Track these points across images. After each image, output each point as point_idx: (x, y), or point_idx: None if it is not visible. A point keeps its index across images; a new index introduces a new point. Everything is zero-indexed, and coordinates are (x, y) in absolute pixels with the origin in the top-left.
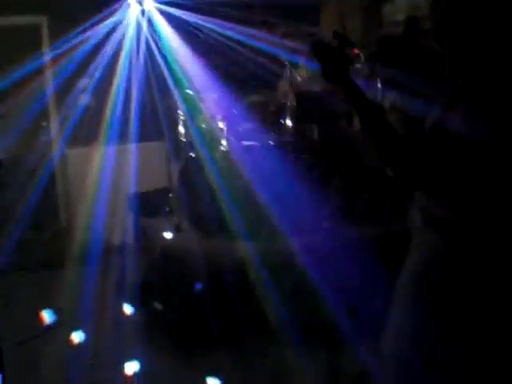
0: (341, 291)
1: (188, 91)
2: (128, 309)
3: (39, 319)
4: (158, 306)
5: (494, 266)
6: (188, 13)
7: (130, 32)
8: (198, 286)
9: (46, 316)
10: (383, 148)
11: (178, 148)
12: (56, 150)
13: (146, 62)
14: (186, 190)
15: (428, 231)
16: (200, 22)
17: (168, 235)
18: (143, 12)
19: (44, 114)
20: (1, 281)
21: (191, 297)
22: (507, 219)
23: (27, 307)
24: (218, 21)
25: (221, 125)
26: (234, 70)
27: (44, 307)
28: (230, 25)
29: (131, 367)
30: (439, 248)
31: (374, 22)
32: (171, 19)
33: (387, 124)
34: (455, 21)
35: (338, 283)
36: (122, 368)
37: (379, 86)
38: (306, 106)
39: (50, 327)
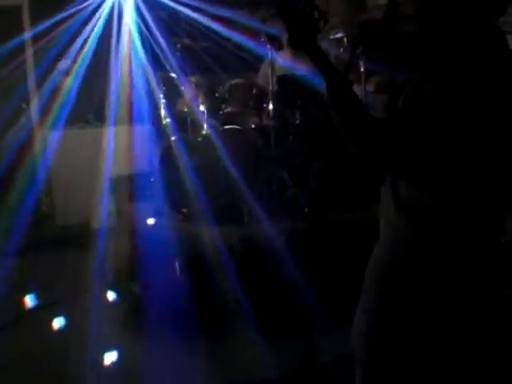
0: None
1: (169, 74)
2: (109, 294)
3: (21, 304)
4: (137, 290)
5: (462, 255)
6: None
7: (112, 14)
8: (177, 270)
9: (28, 301)
10: (349, 121)
11: (160, 132)
12: (37, 133)
13: (127, 45)
14: (167, 174)
15: (396, 217)
16: (182, 4)
17: (149, 219)
18: None
19: (25, 97)
20: None
21: (171, 281)
22: (477, 203)
23: (6, 292)
24: (200, 2)
25: (202, 108)
26: (217, 53)
27: (23, 292)
28: (213, 6)
29: (111, 356)
30: (407, 235)
31: (358, 6)
32: (153, 1)
33: (355, 97)
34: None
35: (313, 268)
36: (103, 357)
37: (362, 69)
38: (288, 89)
39: (30, 312)
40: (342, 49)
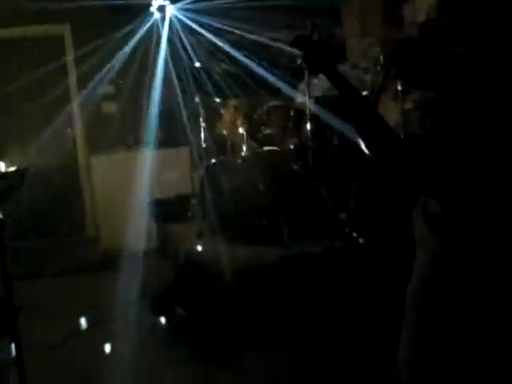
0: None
1: (209, 97)
2: (152, 316)
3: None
4: (181, 312)
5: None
6: (210, 18)
7: (153, 39)
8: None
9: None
10: (373, 142)
11: (201, 154)
12: (81, 157)
13: (168, 69)
14: (208, 195)
15: (429, 237)
16: (221, 27)
17: (191, 241)
18: (165, 19)
19: (68, 122)
20: (27, 286)
21: (212, 302)
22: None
23: (52, 312)
24: (239, 24)
25: (241, 130)
26: (256, 75)
27: (69, 313)
28: (252, 28)
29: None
30: (442, 256)
31: (395, 23)
32: (193, 26)
33: (379, 119)
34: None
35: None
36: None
37: (399, 87)
38: (326, 109)
39: (76, 333)
40: (379, 66)
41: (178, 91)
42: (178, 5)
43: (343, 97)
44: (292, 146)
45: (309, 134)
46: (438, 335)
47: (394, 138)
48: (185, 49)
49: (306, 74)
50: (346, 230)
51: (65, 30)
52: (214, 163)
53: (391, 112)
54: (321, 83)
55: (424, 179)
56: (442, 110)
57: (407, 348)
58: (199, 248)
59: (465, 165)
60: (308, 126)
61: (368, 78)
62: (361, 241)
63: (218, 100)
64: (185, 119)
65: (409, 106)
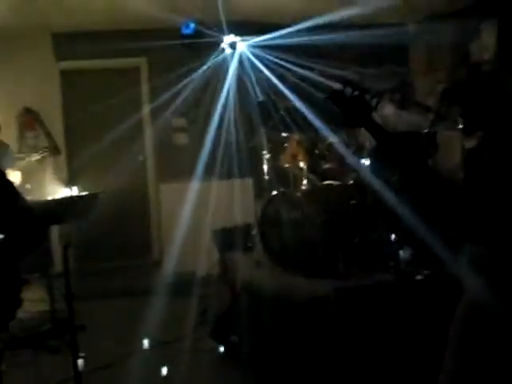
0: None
1: (273, 131)
2: (209, 340)
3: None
4: (234, 339)
5: None
6: (279, 54)
7: (223, 74)
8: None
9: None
10: (417, 186)
11: (262, 186)
12: (150, 184)
13: (235, 103)
14: (267, 226)
15: (471, 276)
16: (289, 64)
17: (249, 270)
18: (235, 55)
19: (141, 150)
20: (92, 305)
21: (267, 331)
22: None
23: (115, 332)
24: (307, 61)
25: (302, 164)
26: (318, 111)
27: (132, 333)
28: (320, 65)
29: None
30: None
31: (462, 60)
32: (261, 61)
33: (426, 168)
34: None
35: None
36: None
37: (460, 126)
38: (386, 145)
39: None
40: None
41: (244, 125)
42: (249, 42)
43: (381, 145)
44: (351, 181)
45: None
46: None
47: (441, 184)
48: (252, 84)
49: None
50: (403, 266)
51: (141, 63)
52: (274, 195)
53: (453, 151)
54: (383, 119)
55: (465, 222)
56: (476, 157)
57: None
58: (256, 277)
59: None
60: (367, 162)
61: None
62: (418, 277)
63: (281, 134)
64: (250, 152)
65: (471, 145)
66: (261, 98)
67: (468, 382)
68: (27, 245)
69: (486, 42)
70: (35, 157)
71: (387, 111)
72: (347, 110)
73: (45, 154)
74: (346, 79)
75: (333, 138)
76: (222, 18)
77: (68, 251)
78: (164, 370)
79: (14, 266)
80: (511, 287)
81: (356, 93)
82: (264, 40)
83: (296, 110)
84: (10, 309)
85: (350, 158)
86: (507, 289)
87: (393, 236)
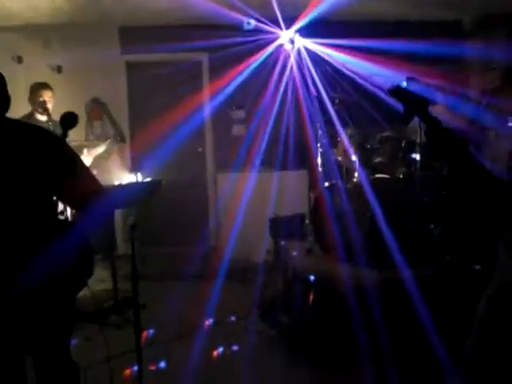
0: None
1: (327, 125)
2: (260, 322)
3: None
4: (283, 320)
5: None
6: (333, 50)
7: (281, 68)
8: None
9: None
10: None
11: (316, 178)
12: (209, 174)
13: (293, 97)
14: (319, 217)
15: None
16: (342, 60)
17: (300, 257)
18: (293, 50)
19: (201, 141)
20: (154, 287)
21: (314, 316)
22: None
23: (173, 311)
24: (357, 59)
25: (354, 158)
26: (370, 107)
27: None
28: (366, 62)
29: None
30: None
31: None
32: (319, 57)
33: (470, 158)
34: None
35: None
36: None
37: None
38: (438, 136)
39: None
40: None
41: (299, 118)
42: (308, 38)
43: (436, 138)
44: (401, 175)
45: (418, 164)
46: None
47: (486, 175)
48: (310, 78)
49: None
50: (448, 258)
51: (203, 56)
52: (327, 186)
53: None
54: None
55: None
56: None
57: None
58: (306, 264)
59: None
60: (417, 157)
61: None
62: (461, 269)
63: (335, 128)
64: (305, 144)
65: None
66: (318, 92)
67: (488, 363)
68: (97, 221)
69: None
70: (103, 146)
71: (439, 109)
72: (408, 103)
73: (112, 142)
74: (408, 76)
75: (385, 133)
76: (279, 14)
77: (134, 232)
78: (220, 349)
79: (85, 238)
80: None
81: (417, 87)
82: (322, 37)
83: (349, 104)
84: (83, 275)
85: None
86: None
87: (439, 229)
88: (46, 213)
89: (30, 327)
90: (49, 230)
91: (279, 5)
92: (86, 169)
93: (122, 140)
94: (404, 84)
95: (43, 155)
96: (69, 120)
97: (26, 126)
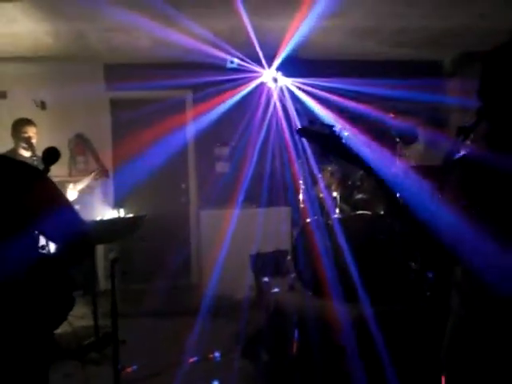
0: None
1: (308, 162)
2: (241, 359)
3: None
4: (264, 356)
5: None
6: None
7: (263, 106)
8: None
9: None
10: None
11: (298, 214)
12: (192, 210)
13: (275, 135)
14: (301, 253)
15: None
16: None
17: (282, 293)
18: (276, 88)
19: (184, 177)
20: (133, 323)
21: (295, 352)
22: None
23: (152, 347)
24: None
25: (335, 194)
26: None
27: (168, 350)
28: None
29: None
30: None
31: None
32: (300, 96)
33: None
34: None
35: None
36: None
37: None
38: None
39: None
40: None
41: (282, 155)
42: (291, 78)
43: (364, 171)
44: (382, 212)
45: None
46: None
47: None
48: (290, 116)
49: (398, 146)
50: (428, 293)
51: (187, 94)
52: (307, 223)
53: None
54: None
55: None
56: None
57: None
58: (288, 300)
59: None
60: (398, 194)
61: None
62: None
63: (316, 165)
64: (287, 181)
65: None
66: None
67: None
68: (78, 256)
69: None
70: (87, 179)
71: (419, 147)
72: (317, 143)
73: (96, 176)
74: (310, 118)
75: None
76: (261, 53)
77: (115, 266)
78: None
79: (66, 272)
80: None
81: (320, 127)
82: (304, 77)
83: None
84: (63, 309)
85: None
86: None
87: (418, 264)
88: (27, 247)
89: (7, 361)
90: (29, 264)
91: (261, 44)
92: (69, 204)
93: (106, 175)
94: (309, 125)
95: (24, 189)
96: (51, 155)
97: (9, 159)
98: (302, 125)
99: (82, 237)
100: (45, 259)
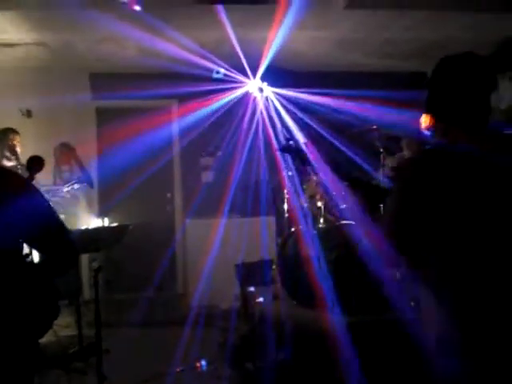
0: None
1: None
2: (225, 368)
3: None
4: (249, 366)
5: None
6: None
7: (249, 116)
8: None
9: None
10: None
11: (282, 223)
12: (178, 219)
13: (260, 144)
14: (285, 262)
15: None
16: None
17: (266, 302)
18: (261, 98)
19: (169, 187)
20: (117, 333)
21: (280, 361)
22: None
23: (137, 357)
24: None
25: (319, 204)
26: (336, 155)
27: (153, 360)
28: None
29: None
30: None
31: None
32: (286, 106)
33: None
34: None
35: None
36: None
37: None
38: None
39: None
40: None
41: (266, 166)
42: (276, 88)
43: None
44: (368, 222)
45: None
46: None
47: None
48: (276, 126)
49: (382, 157)
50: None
51: (173, 104)
52: (291, 232)
53: None
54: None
55: None
56: None
57: None
58: (272, 309)
59: None
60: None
61: None
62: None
63: (301, 175)
64: (272, 191)
65: None
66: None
67: None
68: (63, 266)
69: (502, 92)
70: (70, 187)
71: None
72: (297, 156)
73: (78, 185)
74: (287, 138)
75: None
76: (246, 63)
77: (98, 275)
78: None
79: (51, 281)
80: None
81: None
82: (288, 87)
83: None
84: (48, 318)
85: None
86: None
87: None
88: (12, 256)
89: None
90: (14, 273)
91: (246, 55)
92: (54, 212)
93: (90, 185)
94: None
95: (9, 197)
96: (35, 164)
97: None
98: (281, 144)
99: (67, 246)
100: (30, 268)
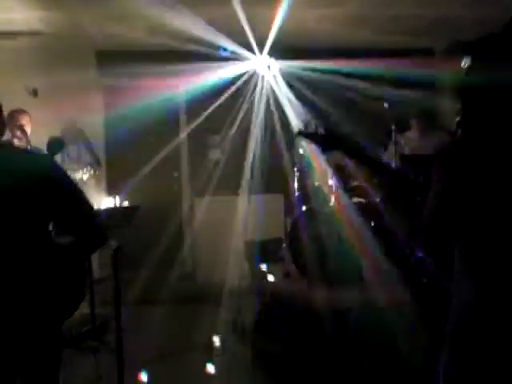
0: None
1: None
2: (239, 345)
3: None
4: (262, 343)
5: None
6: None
7: (256, 94)
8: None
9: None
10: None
11: (293, 202)
12: (185, 198)
13: (270, 123)
14: (296, 240)
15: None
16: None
17: (278, 280)
18: (269, 75)
19: (177, 165)
20: (130, 311)
21: (290, 338)
22: None
23: (152, 334)
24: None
25: (330, 182)
26: (347, 132)
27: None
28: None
29: None
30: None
31: None
32: (293, 82)
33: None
34: None
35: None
36: None
37: None
38: (409, 168)
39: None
40: None
41: (277, 143)
42: (284, 63)
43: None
44: (378, 199)
45: None
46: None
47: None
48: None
49: (394, 134)
50: (424, 279)
51: (180, 82)
52: (303, 211)
53: None
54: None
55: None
56: None
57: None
58: (284, 287)
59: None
60: None
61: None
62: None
63: (313, 153)
64: (282, 168)
65: None
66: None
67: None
68: (91, 248)
69: None
70: (80, 174)
71: (412, 135)
72: (315, 141)
73: (89, 171)
74: (305, 122)
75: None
76: (253, 41)
77: (117, 255)
78: (194, 370)
79: (80, 263)
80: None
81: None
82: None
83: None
84: (76, 299)
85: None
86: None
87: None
88: (41, 237)
89: (24, 351)
90: (44, 255)
91: (254, 32)
92: (82, 194)
93: (98, 165)
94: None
95: (38, 179)
96: (55, 145)
97: (18, 149)
98: (298, 129)
99: (96, 228)
100: (59, 249)
